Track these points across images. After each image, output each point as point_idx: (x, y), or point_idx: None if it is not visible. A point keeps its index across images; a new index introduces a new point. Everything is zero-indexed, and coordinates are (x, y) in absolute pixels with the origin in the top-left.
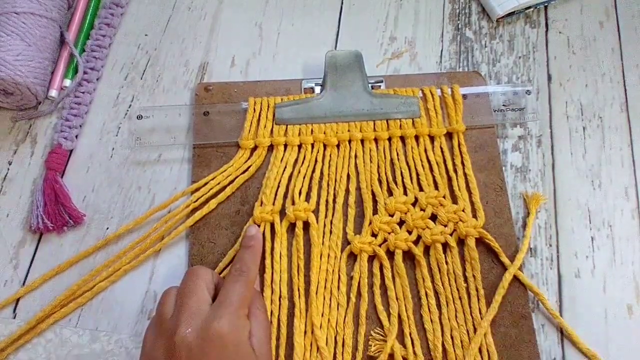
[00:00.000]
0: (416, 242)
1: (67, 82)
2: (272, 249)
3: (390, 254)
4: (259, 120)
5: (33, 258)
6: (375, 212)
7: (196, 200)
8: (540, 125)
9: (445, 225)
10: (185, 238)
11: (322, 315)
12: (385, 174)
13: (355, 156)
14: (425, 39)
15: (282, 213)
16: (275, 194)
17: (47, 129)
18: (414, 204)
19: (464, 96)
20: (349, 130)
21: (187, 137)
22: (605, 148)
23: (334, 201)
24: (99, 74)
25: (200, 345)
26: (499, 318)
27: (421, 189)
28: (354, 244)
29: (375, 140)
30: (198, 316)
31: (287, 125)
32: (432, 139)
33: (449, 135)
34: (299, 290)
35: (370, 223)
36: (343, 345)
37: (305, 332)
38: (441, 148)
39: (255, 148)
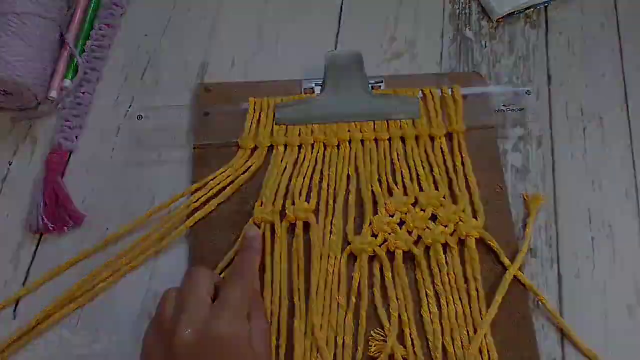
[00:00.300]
0: (416, 243)
1: (67, 83)
2: (272, 249)
3: (391, 254)
4: (259, 120)
5: (33, 259)
6: (375, 212)
7: (196, 201)
8: (540, 125)
9: (446, 226)
10: (185, 238)
11: (322, 315)
12: (386, 174)
13: (356, 156)
14: (425, 39)
15: (282, 213)
16: (275, 194)
17: (47, 130)
18: (414, 205)
19: (464, 96)
20: (349, 131)
21: (187, 137)
22: (605, 148)
23: (334, 201)
24: (99, 74)
25: (200, 346)
26: (499, 318)
27: (421, 189)
28: (354, 245)
29: (376, 140)
30: (197, 317)
31: (287, 126)
32: (432, 139)
33: (449, 136)
34: (298, 290)
35: (370, 223)
36: (343, 346)
37: (305, 333)
38: (441, 148)
39: (255, 148)
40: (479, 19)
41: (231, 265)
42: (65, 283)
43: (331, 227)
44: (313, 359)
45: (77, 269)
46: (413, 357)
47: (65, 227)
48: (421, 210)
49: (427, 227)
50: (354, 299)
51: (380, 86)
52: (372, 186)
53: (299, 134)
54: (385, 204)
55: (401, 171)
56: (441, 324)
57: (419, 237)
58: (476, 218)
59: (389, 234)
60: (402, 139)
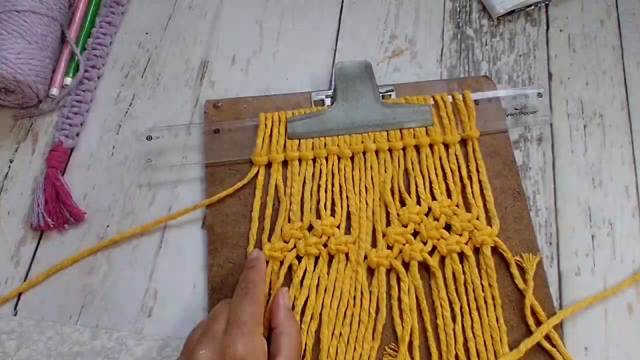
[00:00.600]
0: (432, 253)
1: (68, 81)
2: (306, 270)
3: (406, 265)
4: (271, 135)
5: (34, 256)
6: (388, 223)
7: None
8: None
9: (460, 235)
10: (187, 237)
11: (341, 334)
12: (398, 184)
13: (371, 168)
14: (426, 37)
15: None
16: (302, 210)
17: (48, 127)
18: (427, 214)
19: (476, 102)
20: (362, 142)
21: (198, 156)
22: (606, 146)
23: (359, 215)
24: (100, 72)
25: None
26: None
27: (434, 199)
28: (371, 258)
29: (390, 150)
30: (216, 339)
31: (299, 140)
32: (446, 146)
33: (463, 142)
34: (330, 307)
35: (383, 236)
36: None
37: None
38: (456, 155)
39: (268, 164)
40: (479, 17)
41: (237, 285)
42: (66, 280)
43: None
44: None
45: (78, 265)
46: None
47: (66, 224)
48: (435, 219)
49: (442, 237)
50: (373, 314)
51: (390, 95)
52: (384, 197)
53: (312, 148)
54: (398, 214)
55: (415, 180)
56: (454, 335)
57: (434, 247)
58: (491, 225)
59: (404, 244)
60: (417, 148)
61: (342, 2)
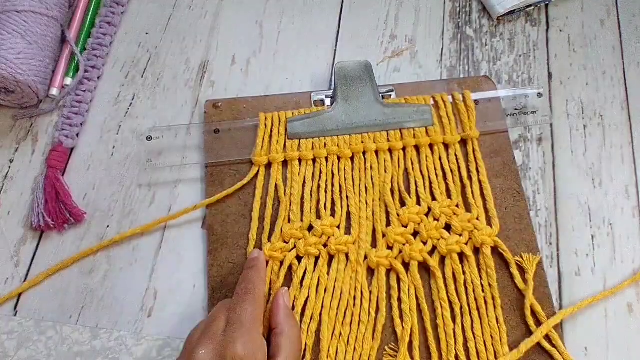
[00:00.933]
0: (432, 253)
1: (68, 81)
2: (306, 271)
3: (406, 265)
4: (270, 135)
5: (34, 256)
6: (388, 223)
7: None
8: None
9: (460, 235)
10: (187, 237)
11: (341, 335)
12: (398, 184)
13: (371, 168)
14: (426, 37)
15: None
16: (302, 210)
17: (48, 127)
18: (427, 214)
19: (476, 102)
20: (362, 142)
21: (198, 156)
22: (606, 146)
23: (359, 215)
24: (100, 73)
25: None
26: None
27: (434, 199)
28: (371, 259)
29: (390, 150)
30: (216, 339)
31: (299, 140)
32: (446, 146)
33: (463, 142)
34: (330, 307)
35: (383, 236)
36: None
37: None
38: (456, 155)
39: (268, 164)
40: (479, 17)
41: (237, 285)
42: (66, 280)
43: (359, 242)
44: None
45: (78, 265)
46: None
47: (66, 225)
48: (435, 219)
49: (442, 237)
50: (373, 314)
51: (390, 95)
52: (384, 196)
53: (312, 148)
54: (398, 215)
55: (415, 180)
56: (454, 335)
57: (434, 248)
58: (491, 225)
59: (404, 244)
60: (417, 148)
61: (342, 2)
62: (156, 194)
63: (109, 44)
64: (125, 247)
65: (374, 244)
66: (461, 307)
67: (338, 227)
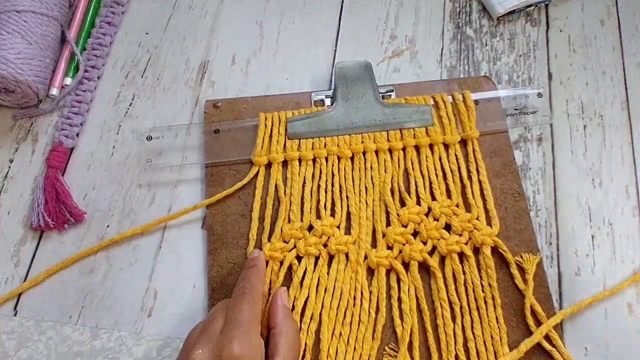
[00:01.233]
0: (432, 253)
1: (68, 81)
2: (306, 271)
3: (406, 265)
4: (270, 135)
5: (34, 256)
6: (388, 223)
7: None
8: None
9: (460, 235)
10: (187, 237)
11: (341, 335)
12: (398, 184)
13: (371, 168)
14: (426, 37)
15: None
16: (302, 210)
17: (48, 127)
18: (427, 214)
19: (476, 102)
20: (362, 142)
21: (198, 156)
22: (606, 146)
23: (359, 215)
24: (100, 73)
25: None
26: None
27: (434, 199)
28: (371, 259)
29: (390, 150)
30: (214, 338)
31: (299, 140)
32: (446, 147)
33: (464, 142)
34: (329, 307)
35: (383, 236)
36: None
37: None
38: (456, 155)
39: (268, 164)
40: (479, 17)
41: (236, 285)
42: (66, 280)
43: (359, 243)
44: None
45: (78, 265)
46: None
47: (66, 224)
48: (434, 219)
49: (442, 237)
50: (373, 314)
51: (390, 95)
52: (384, 196)
53: (312, 148)
54: (397, 215)
55: (415, 180)
56: (454, 335)
57: (434, 248)
58: (491, 225)
59: (403, 244)
60: (417, 148)
61: (342, 2)
62: (156, 194)
63: (109, 44)
64: (125, 247)
65: (374, 244)
66: (461, 307)
67: (338, 227)
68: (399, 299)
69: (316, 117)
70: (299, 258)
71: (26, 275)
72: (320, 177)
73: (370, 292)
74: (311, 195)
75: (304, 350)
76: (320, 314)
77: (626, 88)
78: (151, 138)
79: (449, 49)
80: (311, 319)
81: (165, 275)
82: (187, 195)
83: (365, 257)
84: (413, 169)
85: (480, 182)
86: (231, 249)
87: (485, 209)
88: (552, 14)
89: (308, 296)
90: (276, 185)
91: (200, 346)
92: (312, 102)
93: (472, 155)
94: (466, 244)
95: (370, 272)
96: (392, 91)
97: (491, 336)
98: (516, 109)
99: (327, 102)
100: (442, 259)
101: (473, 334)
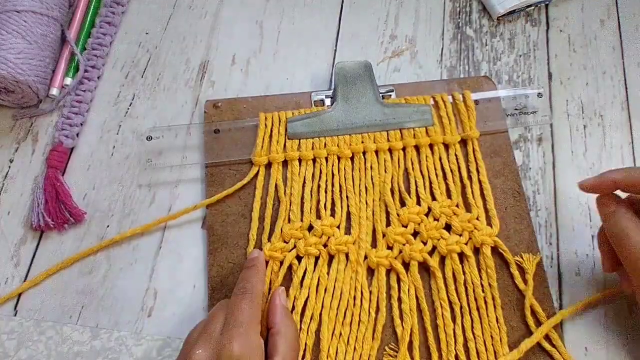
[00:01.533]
0: (432, 253)
1: (68, 81)
2: (306, 271)
3: (406, 265)
4: (271, 135)
5: (34, 256)
6: (388, 223)
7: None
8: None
9: (460, 235)
10: (187, 237)
11: (341, 335)
12: (398, 184)
13: (371, 168)
14: (426, 37)
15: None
16: (302, 210)
17: (48, 127)
18: (427, 214)
19: (476, 102)
20: (362, 142)
21: (198, 156)
22: (606, 146)
23: (359, 215)
24: (100, 72)
25: None
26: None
27: (434, 199)
28: (371, 258)
29: (390, 150)
30: (213, 339)
31: (299, 140)
32: (446, 146)
33: (464, 142)
34: (330, 307)
35: (383, 236)
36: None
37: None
38: (456, 155)
39: (268, 164)
40: (479, 17)
41: (236, 285)
42: (66, 280)
43: (359, 242)
44: None
45: (78, 265)
46: None
47: (66, 224)
48: (434, 219)
49: (442, 237)
50: (373, 314)
51: (390, 95)
52: (384, 196)
53: (312, 148)
54: (398, 214)
55: (415, 180)
56: (454, 335)
57: (434, 248)
58: (491, 226)
59: (403, 244)
60: (417, 148)
61: (342, 2)
62: (156, 194)
63: (109, 44)
64: (125, 247)
65: (374, 244)
66: (461, 307)
67: (338, 227)
68: (399, 299)
69: (316, 117)
70: (299, 258)
71: (26, 275)
72: (320, 177)
73: (370, 292)
74: (311, 195)
75: (304, 350)
76: (320, 314)
77: (626, 88)
78: (151, 138)
79: (449, 49)
80: (311, 319)
81: (165, 275)
82: (187, 195)
83: (365, 257)
84: (413, 169)
85: (480, 182)
86: (231, 249)
87: (485, 209)
88: (552, 14)
89: (308, 296)
90: (276, 185)
91: (200, 346)
92: (312, 102)
93: (472, 155)
94: (466, 244)
95: (370, 272)
96: (392, 91)
97: (491, 336)
98: (516, 109)
99: (327, 102)
100: (442, 259)
101: (473, 334)
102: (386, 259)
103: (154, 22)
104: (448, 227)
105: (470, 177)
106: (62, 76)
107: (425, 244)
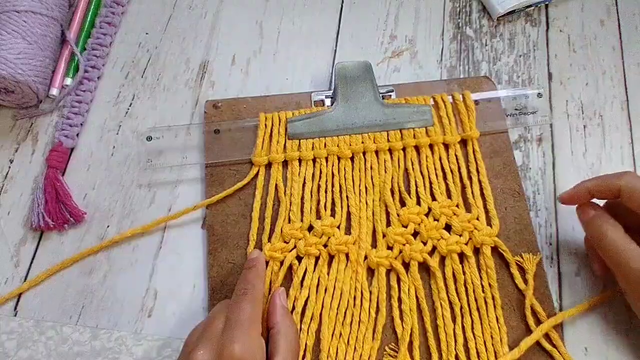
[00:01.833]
0: (432, 253)
1: (68, 81)
2: (306, 271)
3: (406, 265)
4: (271, 135)
5: (34, 256)
6: (388, 223)
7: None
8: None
9: (460, 235)
10: (187, 237)
11: (341, 335)
12: (398, 184)
13: (371, 168)
14: (426, 37)
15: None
16: (302, 210)
17: (48, 127)
18: (427, 214)
19: (476, 102)
20: (362, 142)
21: (198, 156)
22: (606, 146)
23: (359, 215)
24: (100, 73)
25: None
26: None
27: (434, 199)
28: (371, 259)
29: (390, 150)
30: (214, 339)
31: (299, 140)
32: (446, 147)
33: (464, 143)
34: (330, 307)
35: (383, 236)
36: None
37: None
38: (456, 156)
39: (268, 164)
40: (479, 18)
41: (236, 285)
42: (66, 280)
43: (359, 242)
44: None
45: (78, 265)
46: None
47: (66, 225)
48: (434, 220)
49: (442, 238)
50: (373, 314)
51: (390, 95)
52: (384, 197)
53: (312, 148)
54: (398, 215)
55: (415, 181)
56: (455, 334)
57: (434, 248)
58: (491, 226)
59: (404, 245)
60: (417, 148)
61: (342, 2)
62: (156, 194)
63: (109, 44)
64: (125, 247)
65: (374, 244)
66: (461, 307)
67: (338, 227)
68: (399, 299)
69: (316, 117)
70: (299, 258)
71: (26, 276)
72: (320, 177)
73: (371, 292)
74: (311, 195)
75: (304, 350)
76: (321, 314)
77: (626, 88)
78: (151, 138)
79: (449, 49)
80: (311, 319)
81: (165, 275)
82: (187, 195)
83: (366, 257)
84: (413, 169)
85: (480, 182)
86: (231, 249)
87: (485, 209)
88: (552, 14)
89: (308, 296)
90: (276, 185)
91: (201, 347)
92: (312, 102)
93: (472, 155)
94: (466, 244)
95: (371, 272)
96: (392, 91)
97: (491, 336)
98: (516, 109)
99: (327, 102)
100: (442, 259)
101: (473, 334)
102: (386, 259)
103: (154, 22)
104: (448, 228)
105: (470, 177)
106: (62, 76)
107: (425, 244)
